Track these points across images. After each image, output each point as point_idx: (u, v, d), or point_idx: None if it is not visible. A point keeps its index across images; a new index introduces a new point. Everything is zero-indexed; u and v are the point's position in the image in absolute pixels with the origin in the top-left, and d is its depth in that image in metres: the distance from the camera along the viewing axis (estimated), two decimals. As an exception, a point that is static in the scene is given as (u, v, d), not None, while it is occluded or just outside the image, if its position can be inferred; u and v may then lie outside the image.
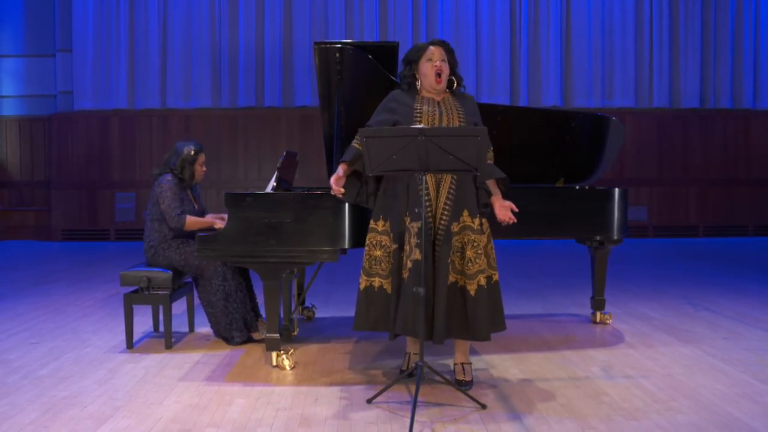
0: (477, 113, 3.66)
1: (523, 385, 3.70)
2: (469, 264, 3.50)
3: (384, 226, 3.58)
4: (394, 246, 3.55)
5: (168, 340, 4.45)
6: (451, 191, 3.53)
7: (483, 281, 3.50)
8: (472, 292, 3.49)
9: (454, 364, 3.72)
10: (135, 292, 4.47)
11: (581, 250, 5.34)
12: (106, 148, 11.17)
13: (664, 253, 9.42)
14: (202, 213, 4.70)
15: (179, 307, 5.28)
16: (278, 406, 3.41)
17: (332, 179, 3.61)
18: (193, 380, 3.82)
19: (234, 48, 11.25)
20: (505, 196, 3.62)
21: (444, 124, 3.52)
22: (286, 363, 4.00)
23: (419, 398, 3.31)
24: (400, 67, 3.76)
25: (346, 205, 3.89)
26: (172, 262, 4.51)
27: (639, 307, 5.67)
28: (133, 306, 4.44)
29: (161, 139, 11.15)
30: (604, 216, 4.66)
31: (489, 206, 3.61)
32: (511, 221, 3.56)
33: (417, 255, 3.37)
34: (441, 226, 3.50)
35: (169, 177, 4.57)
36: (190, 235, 4.55)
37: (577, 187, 4.82)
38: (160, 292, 4.43)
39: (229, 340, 4.50)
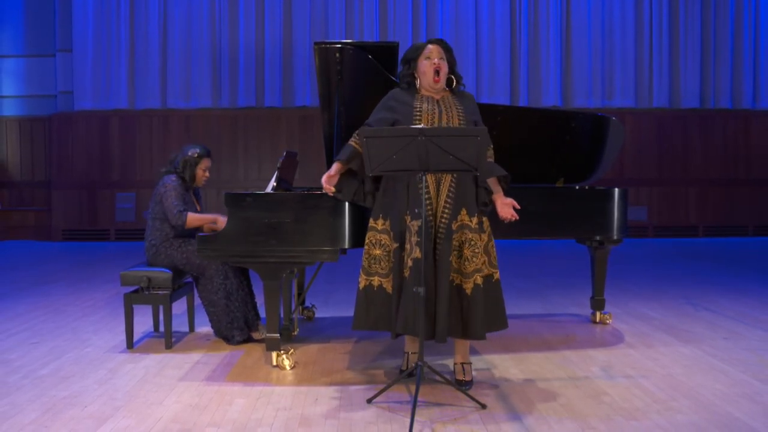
0: (477, 111, 3.66)
1: (523, 385, 3.71)
2: (466, 263, 3.50)
3: (384, 224, 3.58)
4: (395, 245, 3.55)
5: (168, 340, 4.46)
6: (452, 190, 3.53)
7: (480, 280, 3.50)
8: (468, 291, 3.50)
9: (454, 364, 3.72)
10: (135, 292, 4.47)
11: (581, 250, 5.34)
12: (106, 148, 11.18)
13: (664, 253, 9.42)
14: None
15: (179, 307, 5.28)
16: (278, 406, 3.41)
17: (324, 177, 3.61)
18: (193, 380, 3.82)
19: (234, 48, 11.25)
20: (506, 195, 3.62)
21: (444, 122, 3.53)
22: (286, 363, 4.00)
23: (419, 398, 3.31)
24: (399, 67, 3.76)
25: (346, 204, 3.89)
26: (174, 261, 4.52)
27: (639, 307, 5.67)
28: (134, 306, 4.45)
29: (161, 139, 11.16)
30: (604, 216, 4.66)
31: (488, 205, 3.62)
32: (514, 218, 3.56)
33: (417, 253, 3.38)
34: (442, 225, 3.51)
35: (173, 177, 4.58)
36: (191, 234, 4.55)
37: (577, 187, 4.82)
38: (160, 292, 4.44)
39: (229, 339, 4.50)
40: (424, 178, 3.31)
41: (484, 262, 3.54)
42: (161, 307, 4.49)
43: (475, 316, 3.48)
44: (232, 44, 11.25)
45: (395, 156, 3.23)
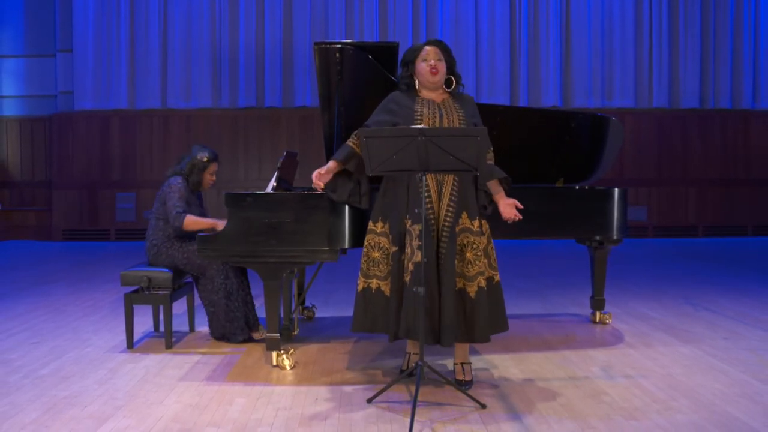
0: (477, 114, 3.67)
1: (523, 385, 3.71)
2: (469, 266, 3.51)
3: (383, 227, 3.59)
4: (394, 248, 3.55)
5: (168, 339, 4.46)
6: (454, 193, 3.53)
7: (483, 283, 3.51)
8: (472, 294, 3.50)
9: (454, 364, 3.72)
10: (135, 291, 4.47)
11: (581, 250, 5.34)
12: (106, 149, 11.18)
13: (663, 253, 9.43)
14: (203, 216, 4.70)
15: (179, 307, 5.29)
16: (278, 405, 3.42)
17: (315, 173, 3.58)
18: (194, 380, 3.82)
19: (234, 48, 11.26)
20: (507, 196, 3.63)
21: (445, 125, 3.53)
22: (286, 363, 4.00)
23: (419, 398, 3.31)
24: (399, 70, 3.77)
25: (346, 205, 3.89)
26: (175, 261, 4.52)
27: (639, 307, 5.68)
28: (134, 306, 4.45)
29: (162, 140, 11.17)
30: (603, 216, 4.67)
31: (487, 208, 3.62)
32: (517, 218, 3.56)
33: (419, 257, 3.37)
34: (445, 228, 3.50)
35: (179, 179, 4.59)
36: (193, 235, 4.55)
37: (577, 187, 4.83)
38: (160, 292, 4.44)
39: (229, 339, 4.51)
40: (424, 178, 3.32)
41: (485, 264, 3.55)
42: (161, 307, 4.49)
43: (480, 319, 3.49)
44: (232, 44, 11.25)
45: (395, 156, 3.23)
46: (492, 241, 3.62)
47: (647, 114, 11.41)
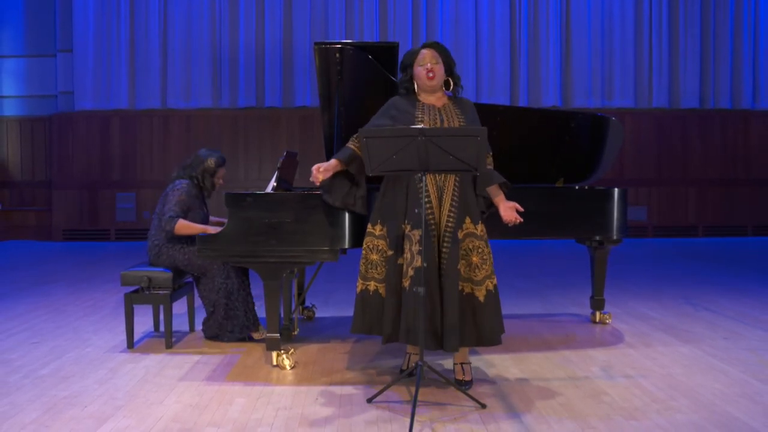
0: (477, 120, 3.66)
1: (523, 385, 3.71)
2: (476, 270, 3.51)
3: (381, 230, 3.59)
4: (390, 252, 3.55)
5: (168, 339, 4.46)
6: (455, 197, 3.53)
7: (491, 286, 3.52)
8: (482, 298, 3.50)
9: (454, 364, 3.72)
10: (135, 291, 4.47)
11: (581, 250, 5.34)
12: (106, 149, 11.18)
13: (663, 253, 9.43)
14: (207, 216, 4.72)
15: (179, 307, 5.29)
16: (278, 405, 3.42)
17: (316, 166, 3.57)
18: (194, 380, 3.82)
19: (234, 48, 11.26)
20: (507, 197, 3.63)
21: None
22: (286, 363, 4.00)
23: (419, 398, 3.31)
24: (399, 74, 3.77)
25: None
26: (176, 261, 4.53)
27: (638, 307, 5.68)
28: (134, 306, 4.45)
29: (162, 139, 11.17)
30: (603, 216, 4.67)
31: (485, 213, 3.64)
32: (518, 221, 3.57)
33: (419, 262, 3.37)
34: (447, 233, 3.50)
35: (186, 182, 4.59)
36: (194, 236, 4.55)
37: (577, 187, 4.83)
38: (160, 292, 4.44)
39: (222, 338, 4.52)
40: (424, 178, 3.32)
41: (490, 268, 3.55)
42: (161, 307, 4.50)
43: (489, 323, 3.50)
44: (232, 44, 11.26)
45: (395, 156, 3.24)
46: (489, 245, 3.62)
47: (647, 114, 11.41)
